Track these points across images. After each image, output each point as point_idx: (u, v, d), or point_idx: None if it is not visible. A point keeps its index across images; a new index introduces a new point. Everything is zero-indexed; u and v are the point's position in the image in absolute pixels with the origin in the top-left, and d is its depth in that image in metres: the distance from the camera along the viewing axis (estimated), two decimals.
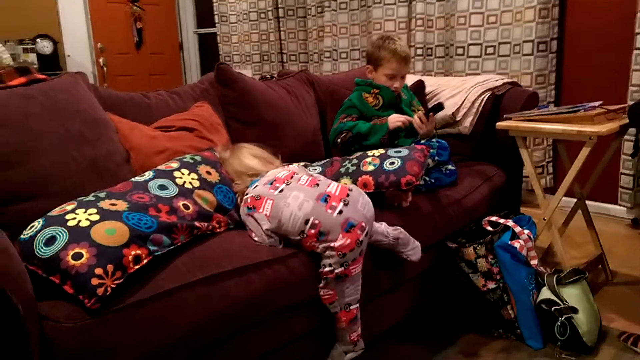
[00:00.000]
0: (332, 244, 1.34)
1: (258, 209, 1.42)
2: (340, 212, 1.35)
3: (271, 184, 1.46)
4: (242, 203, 1.48)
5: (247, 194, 1.48)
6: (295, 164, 1.83)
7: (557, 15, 2.96)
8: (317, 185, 1.43)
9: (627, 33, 2.68)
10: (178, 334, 1.13)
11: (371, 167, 1.66)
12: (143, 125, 1.74)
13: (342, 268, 1.35)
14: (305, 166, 1.83)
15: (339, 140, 2.00)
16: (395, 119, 1.93)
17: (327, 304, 1.39)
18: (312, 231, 1.35)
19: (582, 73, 2.98)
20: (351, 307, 1.41)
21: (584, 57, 2.96)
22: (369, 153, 1.74)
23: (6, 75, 1.57)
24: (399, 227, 1.56)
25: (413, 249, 1.57)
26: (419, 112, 1.98)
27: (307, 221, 1.35)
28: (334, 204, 1.37)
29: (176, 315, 1.14)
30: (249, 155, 1.65)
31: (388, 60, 2.02)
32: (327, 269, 1.35)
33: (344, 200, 1.38)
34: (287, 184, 1.44)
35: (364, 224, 1.37)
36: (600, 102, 1.98)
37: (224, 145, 1.81)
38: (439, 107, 1.96)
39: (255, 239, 1.41)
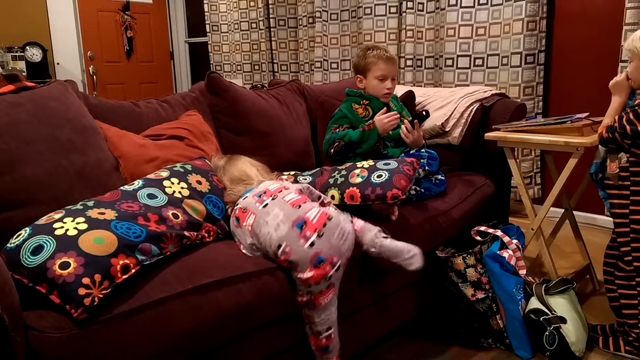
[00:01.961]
0: (299, 275, 1.31)
1: (242, 221, 1.41)
2: (312, 244, 1.30)
3: (260, 196, 1.43)
4: (232, 213, 1.47)
5: (237, 204, 1.47)
6: (285, 174, 1.84)
7: (545, 28, 3.00)
8: (300, 207, 1.38)
9: (613, 45, 2.73)
10: (166, 345, 1.12)
11: (359, 179, 1.65)
12: (133, 134, 1.73)
13: (308, 296, 1.34)
14: (295, 175, 1.83)
15: (332, 150, 2.01)
16: (384, 125, 1.92)
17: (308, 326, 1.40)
18: (283, 257, 1.32)
19: (569, 85, 3.02)
20: (320, 336, 1.38)
21: (571, 69, 3.01)
22: (359, 165, 1.74)
23: None
24: (386, 239, 1.48)
25: (409, 259, 1.46)
26: (405, 121, 2.00)
27: (279, 246, 1.32)
28: (307, 233, 1.31)
29: (165, 325, 1.12)
30: (248, 164, 1.64)
31: (375, 63, 2.05)
32: (298, 292, 1.35)
33: (319, 232, 1.31)
34: (273, 199, 1.41)
35: (335, 259, 1.32)
36: (587, 114, 2.01)
37: (219, 154, 1.81)
38: (425, 115, 1.98)
39: (243, 251, 1.40)
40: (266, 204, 1.40)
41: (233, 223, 1.45)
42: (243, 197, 1.48)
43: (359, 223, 1.47)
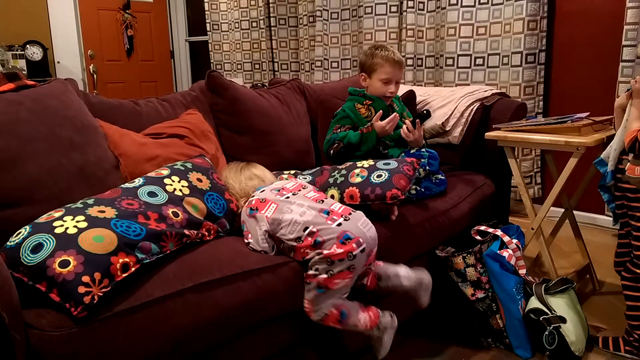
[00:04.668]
0: (324, 251, 1.33)
1: (260, 210, 1.43)
2: (340, 224, 1.36)
3: (278, 190, 1.49)
4: (246, 204, 1.49)
5: (253, 196, 1.50)
6: (285, 173, 1.84)
7: (546, 27, 3.00)
8: (322, 201, 1.46)
9: (614, 45, 2.72)
10: (166, 343, 1.12)
11: (358, 179, 1.65)
12: (133, 132, 1.73)
13: (326, 275, 1.34)
14: (295, 175, 1.83)
15: (331, 151, 2.01)
16: (383, 129, 1.90)
17: (309, 316, 1.38)
18: (309, 239, 1.35)
19: (570, 84, 3.02)
20: (328, 313, 1.37)
21: (572, 68, 3.00)
22: (359, 164, 1.74)
23: None
24: (422, 269, 1.57)
25: (427, 292, 1.58)
26: (406, 121, 1.99)
27: (305, 228, 1.36)
28: (334, 217, 1.38)
29: (164, 323, 1.12)
30: (264, 169, 1.70)
31: (382, 65, 2.02)
32: (311, 272, 1.35)
33: (345, 217, 1.39)
34: (294, 194, 1.47)
35: (361, 240, 1.35)
36: (587, 113, 2.01)
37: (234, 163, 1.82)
38: (426, 114, 1.97)
39: (250, 240, 1.41)
40: (288, 197, 1.45)
41: (246, 213, 1.47)
42: (259, 191, 1.52)
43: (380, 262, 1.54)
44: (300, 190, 1.50)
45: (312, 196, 1.48)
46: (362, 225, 1.39)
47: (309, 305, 1.37)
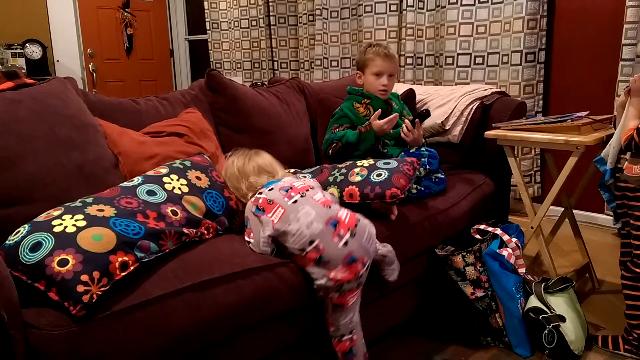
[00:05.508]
0: (329, 274, 1.33)
1: (267, 212, 1.39)
2: (346, 243, 1.34)
3: (287, 191, 1.43)
4: (253, 200, 1.46)
5: (260, 193, 1.46)
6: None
7: (545, 27, 3.00)
8: (330, 207, 1.41)
9: (614, 44, 2.72)
10: (165, 342, 1.12)
11: (358, 178, 1.65)
12: (132, 131, 1.73)
13: (338, 294, 1.36)
14: (295, 173, 1.82)
15: (330, 151, 2.01)
16: (381, 128, 1.91)
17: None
18: (314, 253, 1.33)
19: (570, 83, 3.02)
20: (344, 338, 1.41)
21: (572, 67, 3.00)
22: (359, 163, 1.73)
23: None
24: (388, 245, 1.56)
25: (394, 270, 1.58)
26: (405, 120, 1.99)
27: (312, 242, 1.33)
28: (341, 232, 1.35)
29: (163, 322, 1.12)
30: (272, 159, 1.65)
31: (373, 59, 2.06)
32: (321, 292, 1.36)
33: (352, 231, 1.36)
34: (302, 196, 1.41)
35: (365, 259, 1.37)
36: (587, 112, 2.01)
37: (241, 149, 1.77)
38: (426, 114, 1.97)
39: (251, 240, 1.40)
40: (295, 201, 1.40)
41: (251, 209, 1.43)
42: (267, 188, 1.46)
43: None
44: (308, 190, 1.45)
45: (320, 199, 1.42)
46: (366, 241, 1.39)
47: (329, 321, 1.40)
